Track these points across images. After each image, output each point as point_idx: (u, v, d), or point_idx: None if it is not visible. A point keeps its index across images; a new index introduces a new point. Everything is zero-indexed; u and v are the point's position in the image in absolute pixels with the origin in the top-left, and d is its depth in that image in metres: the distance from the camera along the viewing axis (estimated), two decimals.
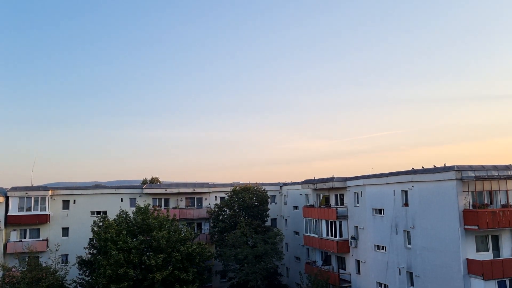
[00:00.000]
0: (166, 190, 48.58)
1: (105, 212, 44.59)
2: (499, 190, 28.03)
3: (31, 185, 45.83)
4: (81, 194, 46.48)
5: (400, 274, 32.11)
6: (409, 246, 31.32)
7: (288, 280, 50.00)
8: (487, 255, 27.15)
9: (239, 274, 41.41)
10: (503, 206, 27.82)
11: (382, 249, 34.45)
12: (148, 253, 35.72)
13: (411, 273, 31.07)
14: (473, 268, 26.16)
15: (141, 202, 44.65)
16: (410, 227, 31.03)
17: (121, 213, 38.62)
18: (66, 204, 45.84)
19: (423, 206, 29.89)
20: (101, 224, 37.80)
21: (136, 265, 35.32)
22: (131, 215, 38.64)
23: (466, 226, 26.69)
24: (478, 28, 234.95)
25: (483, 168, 27.65)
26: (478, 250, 27.14)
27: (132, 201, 47.18)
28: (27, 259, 37.60)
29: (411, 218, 31.07)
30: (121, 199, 47.21)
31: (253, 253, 40.76)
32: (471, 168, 27.39)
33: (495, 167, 28.02)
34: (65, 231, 45.24)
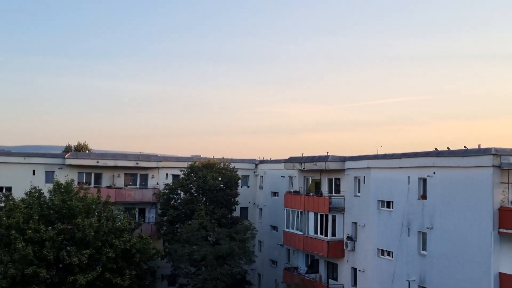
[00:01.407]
0: (97, 162, 48.43)
1: (9, 189, 44.49)
2: None
3: None
4: None
5: None
6: (424, 252, 31.65)
7: None
8: None
9: (194, 280, 41.38)
10: None
11: (388, 254, 34.82)
12: (68, 248, 35.81)
13: None
14: (508, 285, 26.54)
15: (62, 177, 43.76)
16: (427, 228, 31.27)
17: (33, 191, 38.66)
18: None
19: (446, 201, 30.04)
20: (2, 205, 37.95)
21: (51, 263, 35.37)
22: (47, 195, 38.60)
23: (501, 230, 26.90)
24: None
25: None
26: None
27: (49, 175, 46.90)
28: None
29: (429, 215, 31.27)
30: (33, 171, 46.90)
31: (215, 252, 40.74)
32: None
33: None
34: None
